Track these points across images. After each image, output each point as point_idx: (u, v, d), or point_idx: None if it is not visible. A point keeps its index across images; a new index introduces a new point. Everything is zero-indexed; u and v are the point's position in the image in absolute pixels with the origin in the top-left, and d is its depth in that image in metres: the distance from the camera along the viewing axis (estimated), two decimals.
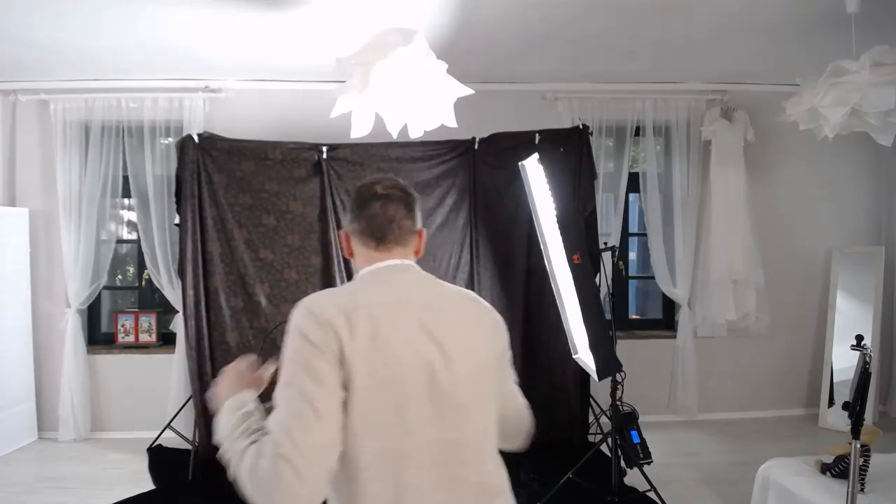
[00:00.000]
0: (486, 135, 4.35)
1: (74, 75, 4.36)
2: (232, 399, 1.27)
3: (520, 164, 3.95)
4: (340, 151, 4.24)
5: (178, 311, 4.40)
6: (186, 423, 4.22)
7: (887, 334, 4.89)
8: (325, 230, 4.24)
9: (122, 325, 4.76)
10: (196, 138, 4.12)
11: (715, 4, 3.31)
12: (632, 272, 5.34)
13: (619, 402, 3.40)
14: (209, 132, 4.28)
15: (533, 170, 3.73)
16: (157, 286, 4.58)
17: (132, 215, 4.76)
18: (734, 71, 4.59)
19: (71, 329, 4.47)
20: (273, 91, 4.64)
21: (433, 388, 1.20)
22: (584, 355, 3.54)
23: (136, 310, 4.89)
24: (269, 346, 3.85)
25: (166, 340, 4.76)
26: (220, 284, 4.14)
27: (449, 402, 1.21)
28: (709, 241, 4.78)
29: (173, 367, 4.44)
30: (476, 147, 4.36)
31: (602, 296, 3.93)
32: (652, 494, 3.31)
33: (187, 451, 4.02)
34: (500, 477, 1.31)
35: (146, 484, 3.77)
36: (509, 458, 1.38)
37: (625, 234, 5.08)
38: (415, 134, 2.94)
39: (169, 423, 4.23)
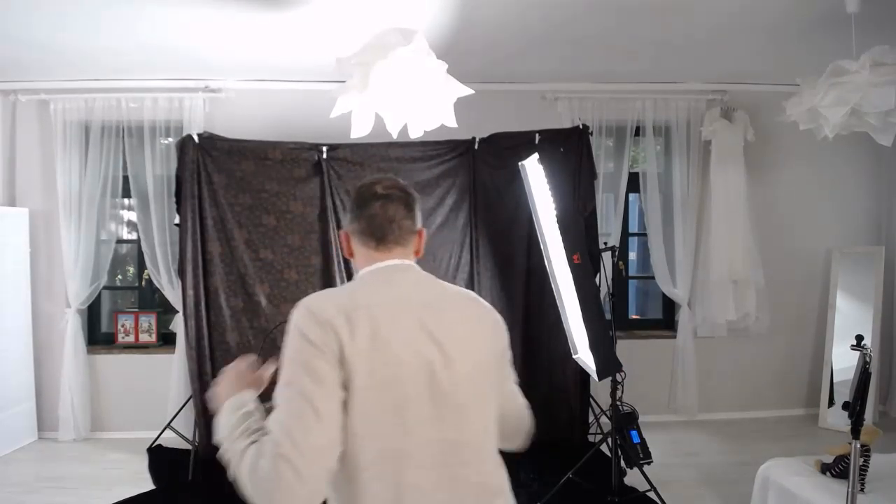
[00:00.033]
0: (486, 135, 4.35)
1: (74, 75, 4.36)
2: (232, 399, 1.27)
3: (520, 164, 3.95)
4: (340, 151, 4.24)
5: (178, 311, 4.40)
6: (186, 423, 4.22)
7: (887, 334, 4.89)
8: (325, 230, 4.24)
9: (122, 325, 4.76)
10: (196, 138, 4.12)
11: (715, 4, 3.31)
12: (632, 272, 5.34)
13: (619, 402, 3.40)
14: (209, 132, 4.28)
15: (533, 170, 3.73)
16: (157, 286, 4.58)
17: (132, 215, 4.76)
18: (734, 71, 4.59)
19: (71, 329, 4.47)
20: (273, 91, 4.64)
21: (433, 388, 1.20)
22: (584, 355, 3.54)
23: (136, 310, 4.89)
24: (269, 346, 3.85)
25: (166, 340, 4.76)
26: (220, 284, 4.14)
27: (449, 402, 1.21)
28: (709, 241, 4.78)
29: (173, 367, 4.45)
30: (476, 147, 4.36)
31: (602, 296, 3.93)
32: (652, 494, 3.31)
33: (187, 451, 4.02)
34: (500, 477, 1.31)
35: (146, 484, 3.77)
36: (509, 458, 1.38)
37: (625, 234, 5.08)
38: (415, 134, 2.94)
39: (169, 423, 4.23)
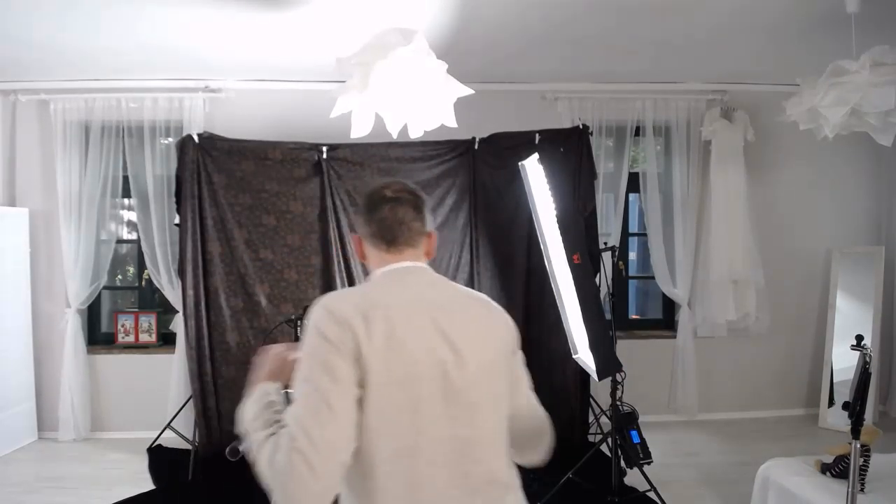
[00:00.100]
0: (486, 135, 4.35)
1: (74, 75, 4.36)
2: (261, 387, 1.31)
3: (520, 164, 3.95)
4: (340, 151, 4.24)
5: (178, 311, 4.40)
6: (186, 423, 4.22)
7: (887, 334, 4.89)
8: (325, 230, 4.24)
9: (122, 325, 4.76)
10: (196, 138, 4.12)
11: (715, 4, 3.31)
12: (632, 272, 5.34)
13: (619, 402, 3.40)
14: (209, 132, 4.28)
15: (533, 170, 3.73)
16: (157, 286, 4.58)
17: (132, 215, 4.76)
18: (734, 71, 4.59)
19: (71, 329, 4.47)
20: (273, 91, 4.64)
21: (446, 386, 1.23)
22: (584, 355, 3.53)
23: (136, 310, 4.89)
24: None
25: (166, 340, 4.76)
26: (220, 284, 4.14)
27: (461, 401, 1.24)
28: (709, 241, 4.78)
29: (173, 367, 4.44)
30: (476, 147, 4.36)
31: (602, 296, 3.93)
32: (652, 494, 3.32)
33: (187, 451, 4.02)
34: (511, 474, 1.34)
35: (146, 484, 3.77)
36: None
37: (625, 234, 5.08)
38: (415, 134, 2.94)
39: (169, 423, 4.23)
